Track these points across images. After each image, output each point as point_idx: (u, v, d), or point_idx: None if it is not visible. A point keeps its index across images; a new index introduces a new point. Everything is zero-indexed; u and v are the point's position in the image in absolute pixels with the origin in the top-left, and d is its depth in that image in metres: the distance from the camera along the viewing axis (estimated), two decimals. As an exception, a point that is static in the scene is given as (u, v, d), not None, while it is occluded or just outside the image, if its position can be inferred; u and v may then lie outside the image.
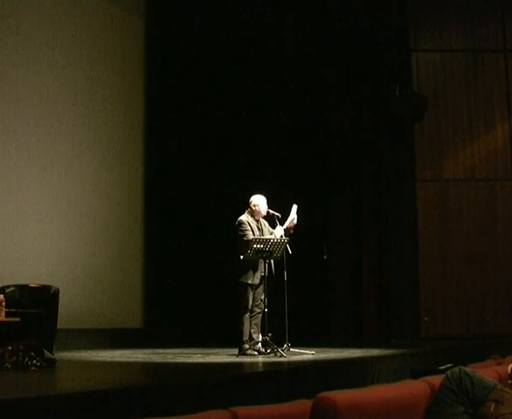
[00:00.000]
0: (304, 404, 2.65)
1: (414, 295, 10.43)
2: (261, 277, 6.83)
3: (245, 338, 6.79)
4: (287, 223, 6.97)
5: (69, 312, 8.10)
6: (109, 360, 6.65)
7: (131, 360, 6.62)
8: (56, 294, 6.91)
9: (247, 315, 6.86)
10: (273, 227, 7.03)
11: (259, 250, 6.59)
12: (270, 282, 6.77)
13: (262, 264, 6.76)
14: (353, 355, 6.76)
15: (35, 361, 5.20)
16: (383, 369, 5.97)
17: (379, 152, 10.68)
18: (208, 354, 7.05)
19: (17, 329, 5.81)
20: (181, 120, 10.66)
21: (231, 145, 10.62)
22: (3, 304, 5.94)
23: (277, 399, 2.78)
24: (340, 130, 10.75)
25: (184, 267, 10.36)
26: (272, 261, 6.83)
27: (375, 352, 7.11)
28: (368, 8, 10.56)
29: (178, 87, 10.70)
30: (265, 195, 7.16)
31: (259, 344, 6.74)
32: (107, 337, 9.13)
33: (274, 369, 5.45)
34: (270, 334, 6.71)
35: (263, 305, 6.76)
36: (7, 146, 8.53)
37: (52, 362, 5.41)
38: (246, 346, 6.72)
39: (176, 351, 7.79)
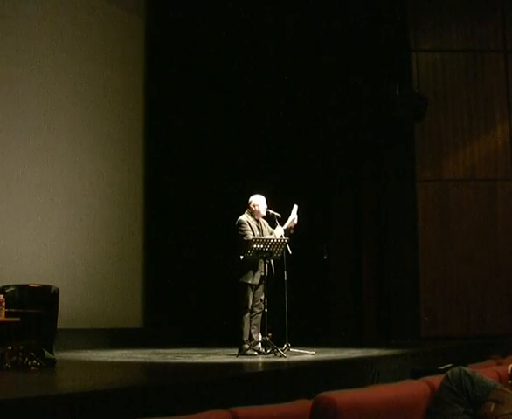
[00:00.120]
0: (304, 404, 2.65)
1: (414, 295, 10.43)
2: (261, 277, 6.83)
3: (245, 338, 6.80)
4: (287, 223, 6.97)
5: (69, 312, 8.10)
6: (109, 360, 6.65)
7: (131, 360, 6.62)
8: (56, 294, 6.90)
9: (247, 315, 6.86)
10: (273, 227, 7.03)
11: (259, 250, 6.59)
12: (270, 282, 6.77)
13: (262, 264, 6.76)
14: (353, 355, 6.77)
15: (35, 361, 5.20)
16: (383, 369, 5.96)
17: (379, 152, 10.68)
18: (208, 354, 7.05)
19: (17, 329, 5.80)
20: (181, 120, 10.66)
21: (231, 145, 10.62)
22: (3, 304, 5.94)
23: (277, 399, 2.78)
24: (340, 130, 10.75)
25: (184, 267, 10.37)
26: (272, 261, 6.84)
27: (375, 352, 7.11)
28: (368, 8, 10.55)
29: (178, 87, 10.70)
30: (265, 195, 7.16)
31: (259, 344, 6.74)
32: (107, 337, 9.13)
33: (274, 369, 5.45)
34: (270, 334, 6.71)
35: (263, 305, 6.76)
36: (7, 146, 8.53)
37: (52, 362, 5.41)
38: (246, 346, 6.72)
39: (176, 351, 7.79)
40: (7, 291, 6.58)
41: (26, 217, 8.63)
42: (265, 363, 5.97)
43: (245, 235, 6.83)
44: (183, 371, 5.56)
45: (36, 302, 6.66)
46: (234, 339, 6.98)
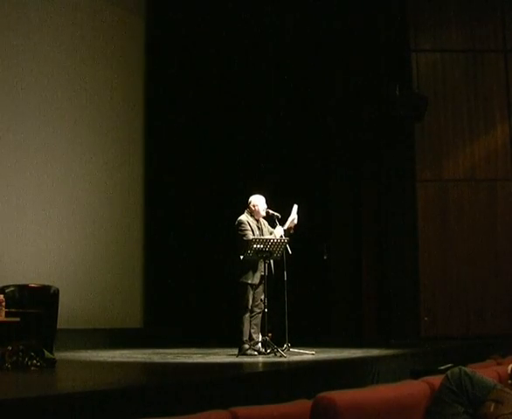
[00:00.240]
0: (304, 404, 2.65)
1: (414, 295, 10.42)
2: (261, 277, 6.83)
3: (245, 338, 6.79)
4: (287, 223, 6.97)
5: (69, 312, 8.09)
6: (109, 360, 6.65)
7: (131, 360, 6.62)
8: (56, 294, 6.90)
9: (247, 315, 6.86)
10: (273, 227, 7.03)
11: (258, 250, 6.59)
12: (270, 282, 6.77)
13: (262, 264, 6.76)
14: (353, 355, 6.77)
15: (35, 361, 5.21)
16: (383, 369, 5.97)
17: (379, 152, 10.68)
18: (208, 354, 7.05)
19: (17, 329, 5.80)
20: (181, 119, 10.66)
21: (232, 145, 10.62)
22: (3, 304, 5.94)
23: (277, 399, 2.78)
24: (340, 130, 10.75)
25: (184, 267, 10.37)
26: (271, 261, 6.83)
27: (375, 352, 7.11)
28: (368, 8, 10.55)
29: (178, 87, 10.71)
30: (265, 195, 7.16)
31: (259, 344, 6.74)
32: (107, 337, 9.13)
33: (274, 369, 5.46)
34: (270, 334, 6.71)
35: (263, 305, 6.76)
36: (7, 146, 8.53)
37: (52, 362, 5.41)
38: (246, 346, 6.72)
39: (176, 351, 7.79)
40: (7, 291, 6.58)
41: (26, 217, 8.63)
42: (265, 363, 5.97)
43: (244, 235, 6.83)
44: (183, 371, 5.56)
45: (36, 302, 6.66)
46: (234, 339, 6.98)
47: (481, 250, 10.50)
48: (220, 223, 9.38)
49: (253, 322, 6.90)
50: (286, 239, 6.78)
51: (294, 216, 6.97)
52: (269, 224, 7.11)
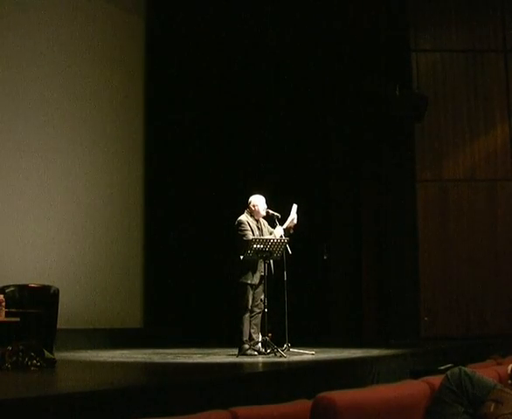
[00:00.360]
0: (304, 404, 2.65)
1: (414, 295, 10.43)
2: (261, 277, 6.83)
3: (245, 338, 6.79)
4: (287, 223, 6.96)
5: (69, 312, 8.10)
6: (109, 360, 6.65)
7: (131, 360, 6.62)
8: (56, 294, 6.90)
9: (247, 315, 6.86)
10: (273, 227, 7.03)
11: (258, 250, 6.59)
12: (270, 282, 6.77)
13: (262, 264, 6.76)
14: (353, 355, 6.76)
15: (35, 361, 5.20)
16: (383, 369, 5.97)
17: (379, 152, 10.68)
18: (208, 354, 7.05)
19: (17, 329, 5.81)
20: (181, 120, 10.66)
21: (232, 145, 10.62)
22: (3, 304, 5.94)
23: (277, 399, 2.78)
24: (340, 130, 10.75)
25: (184, 267, 10.37)
26: (271, 261, 6.83)
27: (375, 352, 7.11)
28: (368, 8, 10.56)
29: (178, 87, 10.70)
30: (265, 195, 7.16)
31: (259, 344, 6.74)
32: (107, 337, 9.13)
33: (274, 369, 5.45)
34: (270, 334, 6.71)
35: (263, 306, 6.76)
36: (7, 146, 8.53)
37: (52, 362, 5.41)
38: (246, 346, 6.71)
39: (176, 351, 7.79)
40: (7, 291, 6.59)
41: (26, 217, 8.63)
42: (265, 363, 5.97)
43: (244, 235, 6.83)
44: (183, 371, 5.56)
45: (36, 302, 6.67)
46: (234, 339, 6.98)
47: (481, 250, 10.50)
48: (220, 223, 9.38)
49: (253, 322, 6.89)
50: (286, 239, 6.78)
51: (293, 216, 6.97)
52: (269, 224, 7.11)
